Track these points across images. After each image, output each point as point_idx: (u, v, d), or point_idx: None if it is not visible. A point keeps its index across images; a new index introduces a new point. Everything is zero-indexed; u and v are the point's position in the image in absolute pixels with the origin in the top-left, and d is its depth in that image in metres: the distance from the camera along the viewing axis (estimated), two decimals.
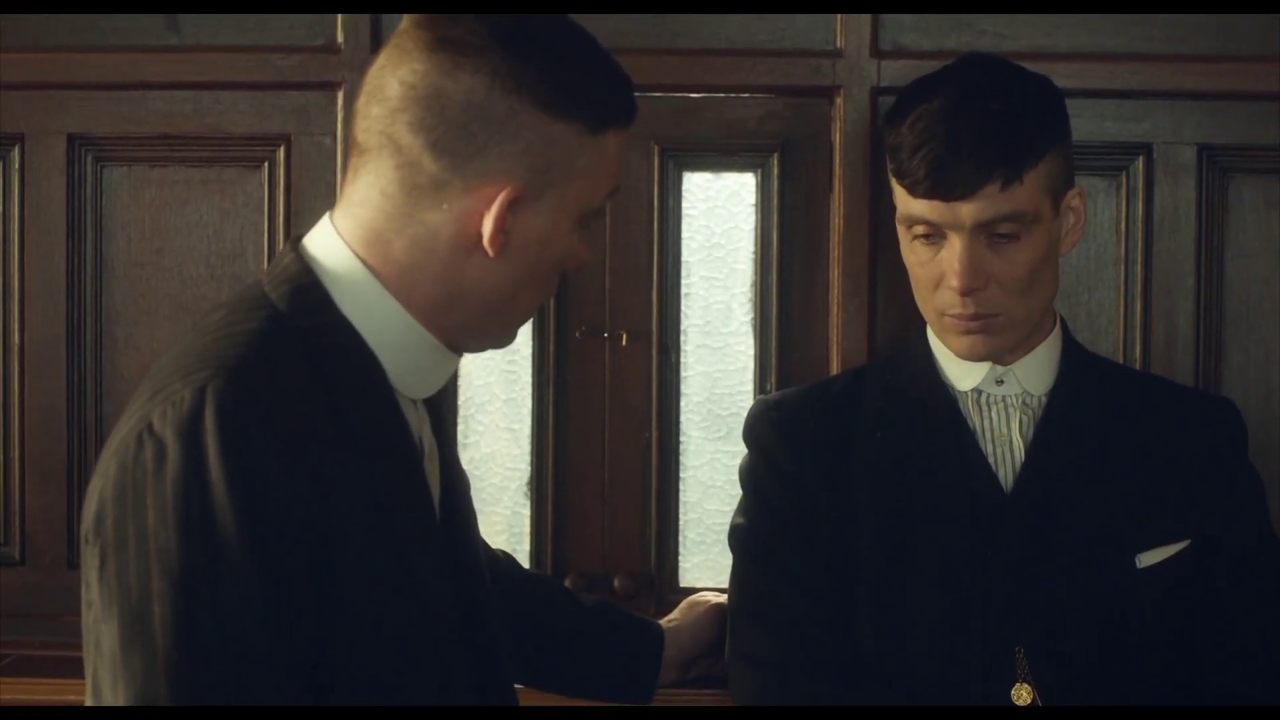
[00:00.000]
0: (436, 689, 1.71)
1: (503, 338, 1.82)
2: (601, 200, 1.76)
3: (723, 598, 2.30)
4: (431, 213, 1.69)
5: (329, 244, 1.72)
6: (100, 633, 1.58)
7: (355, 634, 1.64)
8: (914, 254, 2.11)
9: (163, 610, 1.54)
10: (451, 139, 1.67)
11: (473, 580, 1.83)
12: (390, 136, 1.68)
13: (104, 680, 1.57)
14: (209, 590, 1.55)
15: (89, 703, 1.61)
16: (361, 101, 1.72)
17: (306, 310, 1.69)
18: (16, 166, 2.52)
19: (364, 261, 1.70)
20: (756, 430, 2.22)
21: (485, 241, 1.68)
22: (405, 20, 1.72)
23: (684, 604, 2.33)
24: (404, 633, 1.68)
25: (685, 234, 2.52)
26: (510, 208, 1.68)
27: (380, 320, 1.70)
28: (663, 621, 2.29)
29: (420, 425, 1.78)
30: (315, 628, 1.61)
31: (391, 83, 1.68)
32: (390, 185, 1.69)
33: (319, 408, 1.63)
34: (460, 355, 1.80)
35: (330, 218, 1.74)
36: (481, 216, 1.68)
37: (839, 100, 2.45)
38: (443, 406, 1.87)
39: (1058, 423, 2.15)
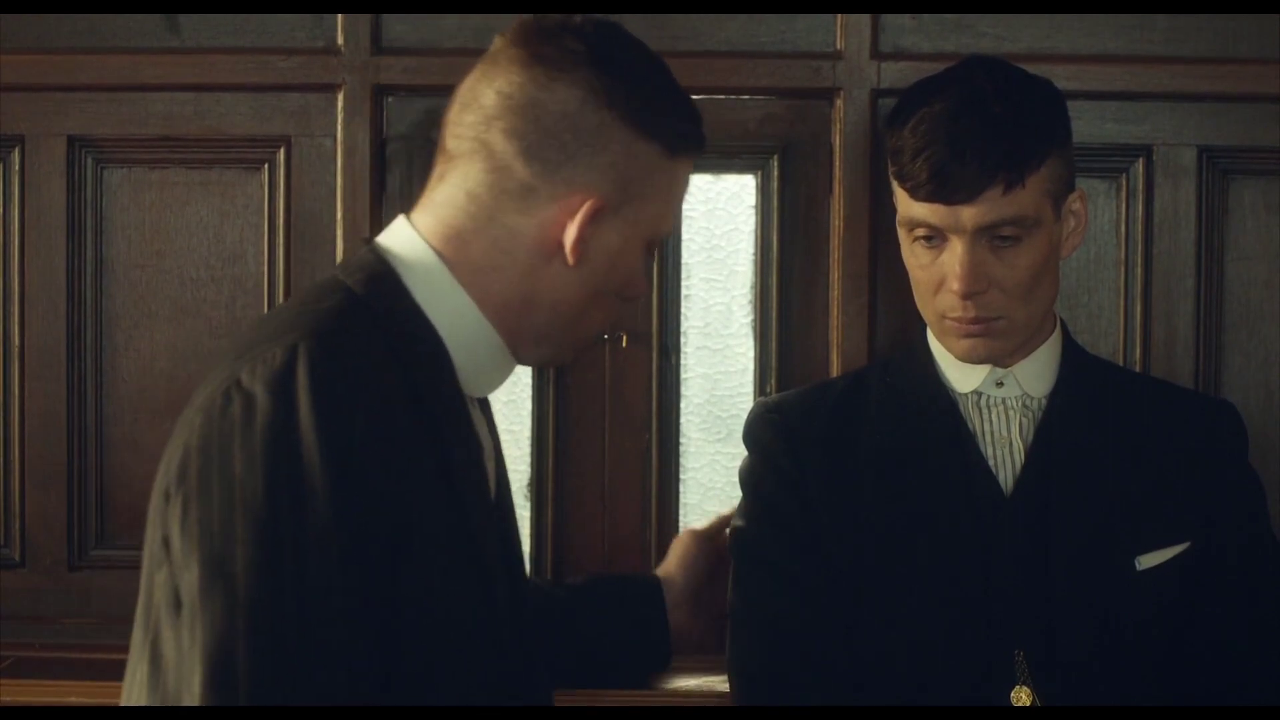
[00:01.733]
0: (491, 671, 1.74)
1: (563, 352, 1.88)
2: (667, 228, 1.85)
3: (700, 526, 2.33)
4: (516, 217, 1.76)
5: (405, 237, 1.78)
6: (178, 583, 1.61)
7: (421, 600, 1.67)
8: (915, 257, 2.11)
9: (245, 554, 1.58)
10: (543, 146, 1.74)
11: (521, 573, 1.89)
12: (483, 141, 1.75)
13: (181, 629, 1.60)
14: (292, 536, 1.58)
15: (142, 673, 1.64)
16: (454, 112, 1.79)
17: (382, 295, 1.74)
18: (16, 168, 2.52)
19: (440, 255, 1.76)
20: (756, 432, 2.22)
21: (567, 249, 1.76)
22: (498, 39, 1.80)
23: (669, 549, 2.34)
24: (467, 606, 1.71)
25: (685, 236, 2.52)
26: (591, 218, 1.75)
27: (452, 312, 1.76)
28: (656, 571, 2.30)
29: (479, 422, 1.83)
30: (388, 584, 1.64)
31: (488, 93, 1.76)
32: (478, 187, 1.76)
33: (397, 382, 1.68)
34: (516, 363, 1.84)
35: (407, 217, 1.80)
36: (564, 225, 1.75)
37: (839, 102, 2.46)
38: (489, 406, 1.91)
39: (1058, 425, 2.15)
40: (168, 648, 1.62)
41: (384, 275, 1.75)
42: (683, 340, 2.52)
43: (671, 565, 2.29)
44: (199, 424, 1.63)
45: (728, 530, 2.25)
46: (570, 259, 1.76)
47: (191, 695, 1.58)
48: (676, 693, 2.30)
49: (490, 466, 1.84)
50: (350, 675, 1.60)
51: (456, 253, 1.76)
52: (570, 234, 1.75)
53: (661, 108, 1.79)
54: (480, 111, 1.76)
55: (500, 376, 1.83)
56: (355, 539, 1.60)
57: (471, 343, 1.77)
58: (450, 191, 1.77)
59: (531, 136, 1.74)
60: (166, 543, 1.63)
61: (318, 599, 1.59)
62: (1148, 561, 2.11)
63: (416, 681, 1.68)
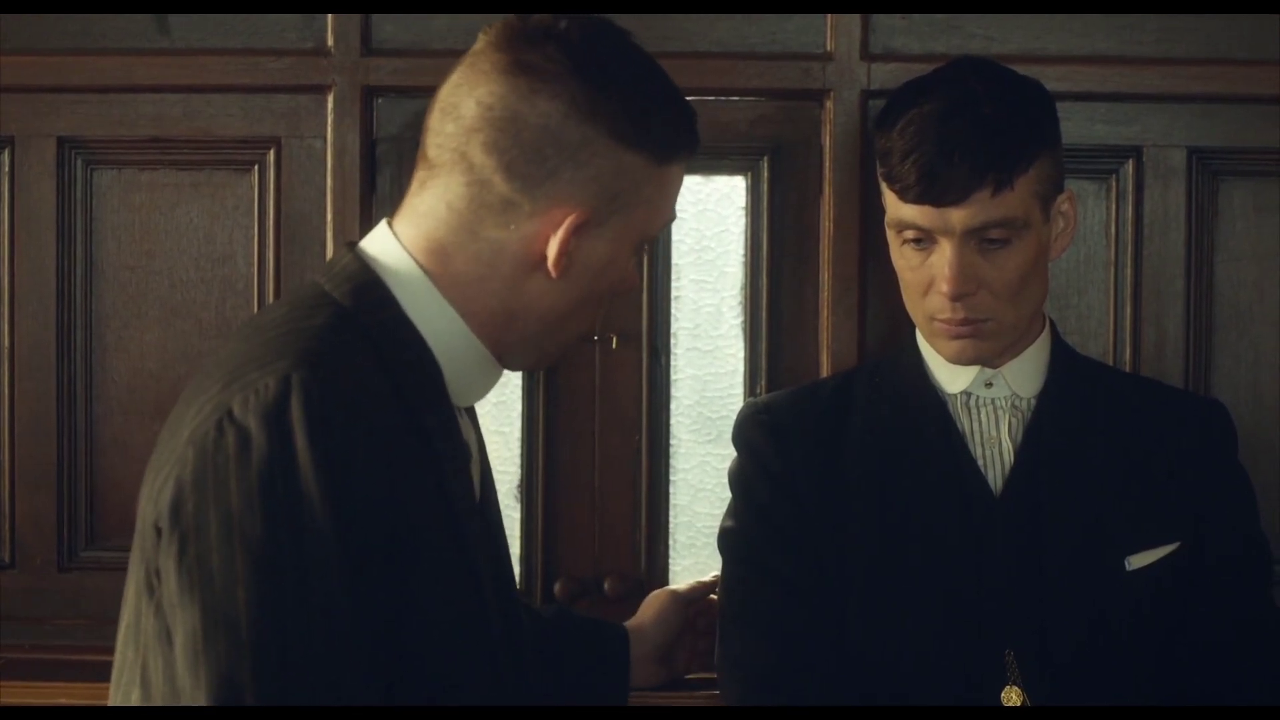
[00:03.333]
0: (488, 682, 1.74)
1: (550, 356, 1.86)
2: (660, 228, 1.82)
3: (680, 587, 2.32)
4: (497, 231, 1.72)
5: (388, 248, 1.75)
6: (173, 620, 1.59)
7: (421, 619, 1.66)
8: (904, 258, 2.11)
9: (247, 594, 1.55)
10: (524, 162, 1.70)
11: (509, 577, 1.88)
12: (463, 154, 1.71)
13: (179, 668, 1.58)
14: (295, 573, 1.56)
15: (136, 697, 1.63)
16: (434, 118, 1.75)
17: (370, 307, 1.72)
18: (6, 169, 2.51)
19: (423, 268, 1.74)
20: (746, 433, 2.22)
21: (549, 263, 1.73)
22: (480, 40, 1.75)
23: (644, 603, 2.34)
24: (464, 621, 1.71)
25: (675, 237, 2.51)
26: (575, 232, 1.72)
27: (438, 325, 1.74)
28: (627, 623, 2.29)
29: (466, 427, 1.81)
30: (391, 608, 1.63)
31: (468, 102, 1.72)
32: (458, 200, 1.73)
33: (390, 399, 1.66)
34: (503, 370, 1.83)
35: (389, 224, 1.77)
36: (547, 239, 1.72)
37: (829, 103, 2.46)
38: (474, 408, 1.91)
39: (1047, 425, 2.15)
40: (155, 676, 1.61)
41: (371, 285, 1.73)
42: (673, 341, 2.52)
43: (645, 619, 2.29)
44: (191, 458, 1.59)
45: (716, 535, 2.24)
46: (554, 273, 1.73)
47: None
48: (671, 693, 2.30)
49: (475, 470, 1.82)
50: (356, 700, 1.59)
51: (440, 266, 1.73)
52: (553, 249, 1.72)
53: (649, 116, 1.74)
54: (460, 122, 1.71)
55: (487, 386, 1.81)
56: (359, 572, 1.59)
57: (458, 354, 1.75)
58: (431, 202, 1.74)
59: (512, 151, 1.70)
60: (158, 574, 1.61)
61: (323, 636, 1.57)
62: (1138, 561, 2.11)
63: (415, 694, 1.67)
